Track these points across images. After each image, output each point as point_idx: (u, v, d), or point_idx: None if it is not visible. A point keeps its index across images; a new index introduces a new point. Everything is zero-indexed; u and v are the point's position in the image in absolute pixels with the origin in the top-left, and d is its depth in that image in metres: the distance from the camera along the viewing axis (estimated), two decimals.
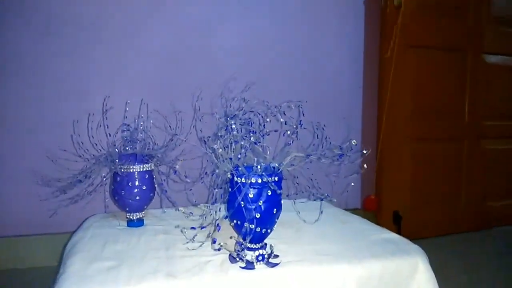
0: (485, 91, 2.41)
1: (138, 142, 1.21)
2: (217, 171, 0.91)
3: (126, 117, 1.31)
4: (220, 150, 0.87)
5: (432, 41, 2.25)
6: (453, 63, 2.32)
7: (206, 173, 0.92)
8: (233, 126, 0.89)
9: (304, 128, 0.99)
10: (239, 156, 0.89)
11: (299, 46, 2.03)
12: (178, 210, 1.24)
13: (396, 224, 2.24)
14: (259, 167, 0.89)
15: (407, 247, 1.05)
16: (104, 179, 1.23)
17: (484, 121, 2.44)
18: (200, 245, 0.99)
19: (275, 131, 1.00)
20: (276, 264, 0.92)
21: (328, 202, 1.37)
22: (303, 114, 1.03)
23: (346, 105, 2.21)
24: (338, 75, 2.17)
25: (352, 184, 0.89)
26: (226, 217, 0.94)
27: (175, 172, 0.91)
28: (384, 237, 1.11)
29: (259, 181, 0.88)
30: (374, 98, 2.25)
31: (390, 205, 2.25)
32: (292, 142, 0.97)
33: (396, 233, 1.16)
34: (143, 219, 1.22)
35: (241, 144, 0.92)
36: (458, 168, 2.39)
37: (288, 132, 0.99)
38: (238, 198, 0.88)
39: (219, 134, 0.96)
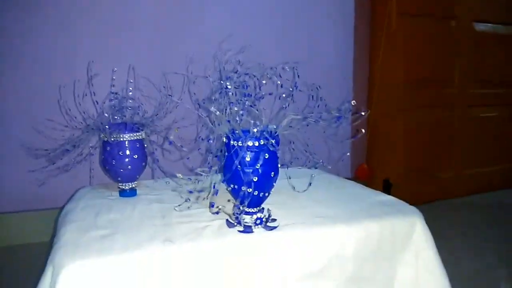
0: (475, 59, 2.41)
1: (128, 109, 1.17)
2: (212, 135, 0.88)
3: (113, 86, 1.26)
4: (217, 112, 0.84)
5: (422, 9, 2.22)
6: (443, 31, 2.31)
7: (201, 138, 0.89)
8: (229, 86, 0.86)
9: (300, 90, 0.97)
10: (236, 119, 0.86)
11: (293, 8, 1.99)
12: (171, 179, 1.21)
13: (386, 192, 2.26)
14: (255, 130, 0.87)
15: (404, 208, 1.05)
16: (92, 148, 1.20)
17: (473, 89, 2.45)
18: (190, 205, 0.97)
19: (270, 94, 0.97)
20: (274, 228, 0.91)
21: (322, 170, 1.36)
22: (298, 76, 1.00)
23: (337, 73, 2.18)
24: (329, 44, 2.14)
25: (348, 154, 0.88)
26: (223, 181, 0.92)
27: (170, 142, 0.87)
28: (380, 200, 1.11)
29: (256, 144, 0.86)
30: (365, 67, 2.23)
31: (381, 173, 2.27)
32: (288, 105, 0.95)
33: None
34: (135, 189, 1.20)
35: (237, 107, 0.89)
36: (448, 136, 2.41)
37: (284, 95, 0.96)
38: (235, 161, 0.86)
39: (214, 97, 0.93)
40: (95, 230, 0.91)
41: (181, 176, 0.89)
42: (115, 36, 1.68)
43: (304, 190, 1.08)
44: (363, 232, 0.94)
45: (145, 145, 1.19)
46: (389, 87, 2.19)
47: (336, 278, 0.92)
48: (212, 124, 0.90)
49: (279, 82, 0.94)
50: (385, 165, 2.26)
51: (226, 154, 0.89)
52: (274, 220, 0.95)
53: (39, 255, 1.27)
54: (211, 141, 0.87)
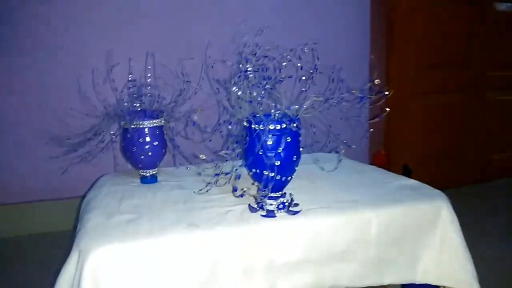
0: (494, 40, 2.34)
1: (147, 96, 1.16)
2: (233, 119, 0.88)
3: (131, 74, 1.27)
4: (240, 92, 0.83)
5: None
6: (462, 11, 2.25)
7: (224, 122, 0.88)
8: (249, 69, 0.85)
9: (320, 72, 0.95)
10: (258, 100, 0.85)
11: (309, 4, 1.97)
12: (192, 164, 1.22)
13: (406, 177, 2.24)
14: (277, 113, 0.86)
15: (429, 192, 1.03)
16: (113, 136, 1.20)
17: (492, 71, 2.39)
18: (210, 188, 0.97)
19: (290, 77, 0.95)
20: (297, 212, 0.91)
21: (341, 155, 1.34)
22: (318, 57, 0.98)
23: (353, 54, 2.15)
24: (345, 24, 2.11)
25: (372, 129, 0.86)
26: (245, 166, 0.91)
27: (194, 123, 0.87)
28: (404, 184, 1.09)
29: (278, 127, 0.85)
30: (383, 49, 2.19)
31: (399, 159, 2.24)
32: (309, 87, 0.93)
33: None
34: (156, 176, 1.20)
35: (257, 91, 0.88)
36: (467, 119, 2.36)
37: (304, 77, 0.95)
38: (257, 145, 0.85)
39: (233, 81, 0.92)
40: (119, 215, 0.92)
41: (203, 157, 0.89)
42: (131, 23, 1.69)
43: (333, 170, 1.06)
44: (388, 217, 0.92)
45: (165, 132, 1.20)
46: (406, 70, 2.15)
47: (358, 261, 0.92)
48: (232, 107, 0.89)
49: (299, 64, 0.92)
50: (404, 150, 2.23)
51: (248, 138, 0.88)
52: (296, 204, 0.94)
53: (61, 244, 1.30)
54: (233, 125, 0.86)
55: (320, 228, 0.89)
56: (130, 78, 1.21)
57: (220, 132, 0.88)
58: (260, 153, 0.86)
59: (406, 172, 2.24)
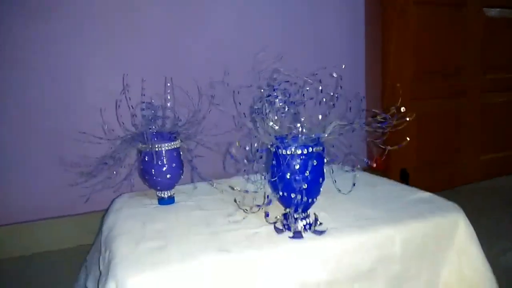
0: (486, 45, 2.41)
1: (164, 118, 1.18)
2: (261, 145, 0.89)
3: (144, 95, 1.27)
4: (270, 122, 0.86)
5: None
6: (454, 18, 2.30)
7: (257, 150, 0.90)
8: (278, 97, 0.87)
9: (340, 95, 0.98)
10: (284, 125, 0.87)
11: (304, 3, 1.99)
12: (213, 185, 1.24)
13: (404, 181, 2.29)
14: (303, 137, 0.88)
15: (445, 204, 1.07)
16: (129, 159, 1.21)
17: (485, 75, 2.45)
18: (244, 218, 0.99)
19: (311, 98, 0.98)
20: (323, 232, 0.93)
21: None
22: (341, 78, 1.00)
23: (349, 65, 2.18)
24: (339, 38, 2.14)
25: (386, 152, 0.88)
26: (273, 190, 0.93)
27: (232, 156, 0.89)
28: (418, 197, 1.13)
29: (305, 151, 0.87)
30: (377, 58, 2.23)
31: (397, 163, 2.28)
32: (330, 111, 0.96)
33: None
34: (173, 197, 1.21)
35: (282, 115, 0.90)
36: (461, 122, 2.42)
37: (324, 99, 0.97)
38: (285, 170, 0.87)
39: (256, 107, 0.94)
40: (146, 242, 0.92)
41: (238, 189, 0.91)
42: (151, 48, 1.73)
43: (347, 193, 1.08)
44: (408, 232, 0.95)
45: (181, 153, 1.21)
46: (402, 76, 2.19)
47: (383, 278, 0.94)
48: (258, 133, 0.91)
49: (320, 87, 0.95)
50: (401, 155, 2.27)
51: (274, 161, 0.90)
52: (321, 224, 0.96)
53: (78, 258, 1.30)
54: (263, 152, 0.88)
55: (346, 247, 0.91)
56: (144, 100, 1.22)
57: (256, 162, 0.89)
58: (288, 177, 0.88)
59: (404, 176, 2.29)
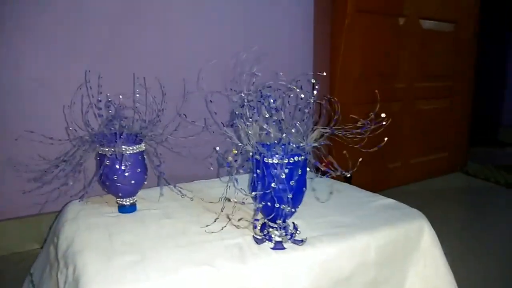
0: (420, 55, 2.58)
1: (126, 119, 1.08)
2: (245, 153, 0.86)
3: (101, 93, 1.16)
4: (252, 130, 0.82)
5: (376, 7, 2.32)
6: (393, 28, 2.44)
7: (235, 157, 0.86)
8: (266, 104, 0.84)
9: (318, 102, 0.98)
10: (266, 131, 0.85)
11: (254, 5, 1.97)
12: (183, 196, 1.17)
13: (347, 182, 2.37)
14: (293, 145, 0.86)
15: (409, 211, 1.12)
16: (84, 161, 1.10)
17: (419, 82, 2.63)
18: (222, 228, 0.95)
19: (297, 106, 0.96)
20: (303, 241, 0.92)
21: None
22: (317, 87, 1.00)
23: (298, 67, 2.21)
24: (290, 41, 2.15)
25: (360, 159, 0.90)
26: (255, 199, 0.90)
27: (228, 164, 0.83)
28: (383, 203, 1.16)
29: (291, 160, 0.86)
30: (325, 65, 2.29)
31: (341, 164, 2.36)
32: (307, 116, 0.95)
33: None
34: (135, 204, 1.12)
35: (267, 122, 0.87)
36: (397, 127, 2.57)
37: (300, 106, 0.96)
38: (269, 179, 0.85)
39: (237, 112, 0.90)
40: (119, 256, 0.84)
41: (235, 200, 0.86)
42: (121, 43, 1.58)
43: (325, 201, 1.09)
44: (383, 239, 0.98)
45: (145, 156, 1.12)
46: (346, 82, 2.27)
47: (359, 284, 0.96)
48: (241, 142, 0.87)
49: (302, 95, 0.93)
50: (344, 157, 2.35)
51: (258, 170, 0.87)
52: (299, 232, 0.95)
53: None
54: (251, 161, 0.85)
55: (327, 256, 0.91)
56: (100, 99, 1.11)
57: (243, 167, 0.85)
58: (274, 186, 0.85)
59: (347, 178, 2.38)
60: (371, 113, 0.94)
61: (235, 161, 0.89)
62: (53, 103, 1.40)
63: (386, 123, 0.95)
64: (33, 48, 1.43)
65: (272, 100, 0.89)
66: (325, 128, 0.90)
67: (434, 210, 2.12)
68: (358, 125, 0.93)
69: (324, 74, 1.13)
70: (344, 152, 1.00)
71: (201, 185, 1.30)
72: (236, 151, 0.83)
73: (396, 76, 2.52)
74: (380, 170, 2.54)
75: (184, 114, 1.10)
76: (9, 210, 1.45)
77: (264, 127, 0.87)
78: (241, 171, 0.87)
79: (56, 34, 1.46)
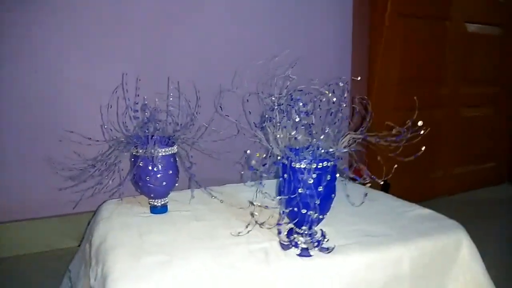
0: (466, 59, 2.47)
1: (160, 121, 1.11)
2: (274, 158, 0.85)
3: (138, 95, 1.20)
4: (282, 133, 0.81)
5: (418, 10, 2.25)
6: (437, 31, 2.35)
7: (263, 160, 0.86)
8: (296, 108, 0.83)
9: (353, 106, 0.95)
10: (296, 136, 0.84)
11: (292, 9, 1.96)
12: (213, 197, 1.18)
13: (384, 191, 2.29)
14: (321, 151, 0.84)
15: (447, 223, 1.06)
16: (119, 162, 1.13)
17: (464, 88, 2.51)
18: (248, 232, 0.94)
19: (320, 108, 0.94)
20: (331, 249, 0.89)
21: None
22: (348, 90, 0.98)
23: (335, 71, 2.17)
24: (328, 42, 2.13)
25: (396, 166, 0.87)
26: (282, 204, 0.89)
27: (252, 168, 0.83)
28: (419, 214, 1.12)
29: (320, 166, 0.84)
30: (363, 69, 2.24)
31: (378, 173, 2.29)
32: (339, 121, 0.93)
33: None
34: (167, 205, 1.14)
35: (297, 127, 0.86)
36: (441, 135, 2.47)
37: (332, 111, 0.94)
38: (297, 184, 0.83)
39: (268, 116, 0.89)
40: (147, 256, 0.86)
41: (258, 204, 0.86)
42: (148, 45, 1.62)
43: (359, 205, 1.06)
44: (417, 250, 0.94)
45: (177, 159, 1.14)
46: (385, 86, 2.21)
47: None
48: (269, 144, 0.87)
49: (334, 99, 0.91)
50: (381, 165, 2.28)
51: (286, 175, 0.86)
52: (327, 240, 0.93)
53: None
54: (278, 164, 0.84)
55: (356, 266, 0.88)
56: (138, 101, 1.14)
57: (270, 173, 0.85)
58: (301, 192, 0.84)
59: (385, 186, 2.31)
60: (408, 121, 0.90)
61: (264, 165, 0.88)
62: (91, 104, 1.46)
63: (424, 132, 0.91)
64: (72, 49, 1.50)
65: (301, 104, 0.88)
66: (357, 134, 0.88)
67: (477, 223, 2.01)
68: (393, 132, 0.89)
69: (359, 78, 1.10)
70: (379, 158, 0.98)
71: (231, 189, 1.30)
72: (259, 155, 0.82)
73: (439, 81, 2.42)
74: (421, 180, 2.45)
75: (220, 107, 1.11)
76: (49, 207, 1.54)
77: (293, 131, 0.86)
78: (264, 175, 0.86)
79: (94, 36, 1.53)
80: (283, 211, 0.85)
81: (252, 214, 0.94)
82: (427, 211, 1.14)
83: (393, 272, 0.91)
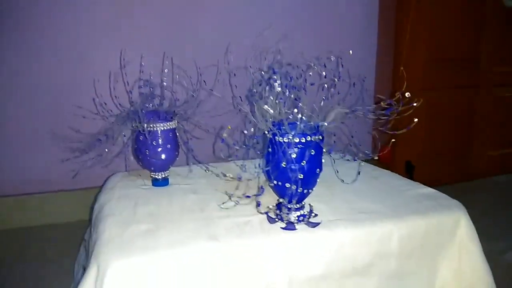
0: (502, 36, 2.32)
1: (159, 97, 1.13)
2: (257, 131, 0.85)
3: (142, 72, 1.23)
4: (266, 106, 0.81)
5: None
6: (471, 5, 2.21)
7: (244, 132, 0.86)
8: (277, 81, 0.82)
9: (344, 80, 0.93)
10: (282, 111, 0.83)
11: None
12: (207, 170, 1.20)
13: (408, 173, 2.23)
14: (302, 125, 0.83)
15: (447, 202, 1.02)
16: (125, 139, 1.17)
17: (499, 67, 2.36)
18: (235, 205, 0.96)
19: (312, 84, 0.93)
20: (317, 224, 0.89)
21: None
22: (342, 65, 0.95)
23: (361, 46, 2.11)
24: (354, 23, 2.06)
25: (393, 140, 0.84)
26: (267, 177, 0.89)
27: (223, 140, 0.84)
28: (420, 192, 1.08)
29: (303, 140, 0.83)
30: (389, 47, 2.16)
31: (403, 155, 2.23)
32: (331, 96, 0.91)
33: None
34: (168, 178, 1.18)
35: (282, 100, 0.85)
36: (472, 116, 2.35)
37: (326, 85, 0.92)
38: (280, 158, 0.83)
39: (255, 90, 0.89)
40: (136, 225, 0.89)
41: (231, 176, 0.87)
42: (146, 23, 1.66)
43: (351, 183, 1.04)
44: (408, 229, 0.91)
45: (177, 134, 1.17)
46: (413, 65, 2.12)
47: (379, 274, 0.91)
48: (255, 119, 0.86)
49: (324, 72, 0.89)
50: (406, 146, 2.21)
51: (270, 149, 0.86)
52: (316, 215, 0.93)
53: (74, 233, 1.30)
54: (258, 138, 0.84)
55: (342, 241, 0.88)
56: (141, 78, 1.17)
57: (249, 146, 0.85)
58: (284, 166, 0.84)
59: (409, 168, 2.24)
60: (398, 93, 0.87)
61: (253, 138, 0.88)
62: (92, 79, 1.54)
63: (417, 104, 0.87)
64: (74, 23, 1.58)
65: (285, 77, 0.87)
66: (343, 108, 0.86)
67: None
68: (383, 105, 0.86)
69: (351, 52, 1.06)
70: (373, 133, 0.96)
71: (231, 166, 1.31)
72: (230, 127, 0.83)
73: (473, 60, 2.29)
74: (451, 161, 2.35)
75: (204, 81, 1.12)
76: (56, 182, 1.64)
77: (277, 105, 0.85)
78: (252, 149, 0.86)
79: (95, 11, 1.59)
80: (262, 186, 0.85)
81: (237, 187, 0.95)
82: (430, 190, 1.10)
83: (380, 249, 0.89)
